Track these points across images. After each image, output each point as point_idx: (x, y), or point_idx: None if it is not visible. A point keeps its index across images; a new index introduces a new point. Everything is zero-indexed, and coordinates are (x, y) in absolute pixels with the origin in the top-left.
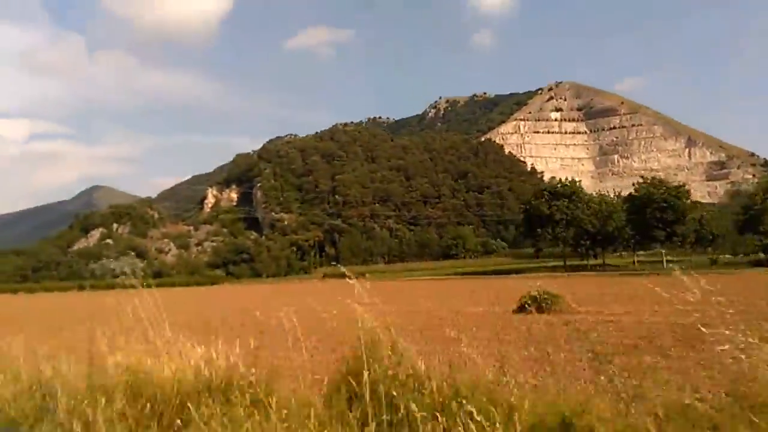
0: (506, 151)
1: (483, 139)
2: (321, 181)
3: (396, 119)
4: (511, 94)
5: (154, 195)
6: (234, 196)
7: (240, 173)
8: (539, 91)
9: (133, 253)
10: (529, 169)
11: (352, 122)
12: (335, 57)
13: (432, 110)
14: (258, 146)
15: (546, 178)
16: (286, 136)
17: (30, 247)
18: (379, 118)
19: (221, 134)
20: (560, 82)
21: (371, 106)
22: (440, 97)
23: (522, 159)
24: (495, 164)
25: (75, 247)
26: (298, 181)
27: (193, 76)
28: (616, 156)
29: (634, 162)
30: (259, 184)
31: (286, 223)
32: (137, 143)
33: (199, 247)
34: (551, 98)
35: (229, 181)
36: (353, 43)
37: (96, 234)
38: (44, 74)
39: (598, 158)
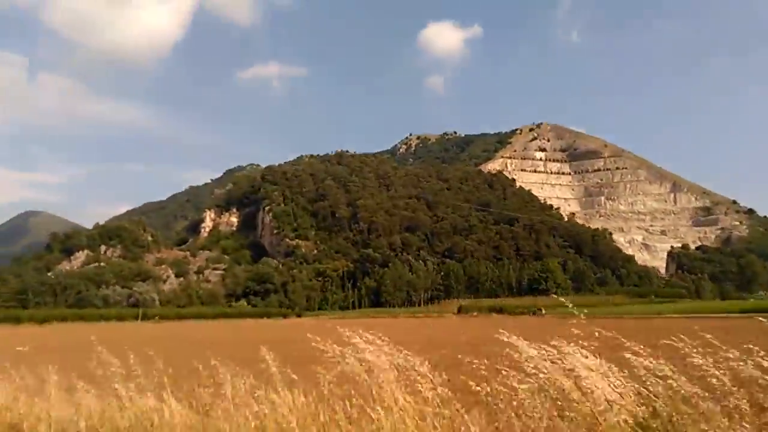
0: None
1: (495, 171)
2: (339, 206)
3: (364, 153)
4: (482, 134)
5: (90, 224)
6: (234, 220)
7: (241, 196)
8: (518, 131)
9: (150, 279)
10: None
11: (318, 155)
12: (290, 91)
13: (403, 146)
14: (215, 176)
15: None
16: (247, 165)
17: (3, 269)
18: (347, 151)
19: (169, 164)
20: (541, 123)
21: (333, 141)
22: (410, 134)
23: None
24: (514, 197)
25: (58, 269)
26: (311, 206)
27: (140, 102)
28: (602, 198)
29: (621, 204)
30: (267, 208)
31: (303, 250)
32: (77, 170)
33: (200, 275)
34: (534, 138)
35: (229, 204)
36: (307, 80)
37: (81, 256)
38: None
39: (584, 199)
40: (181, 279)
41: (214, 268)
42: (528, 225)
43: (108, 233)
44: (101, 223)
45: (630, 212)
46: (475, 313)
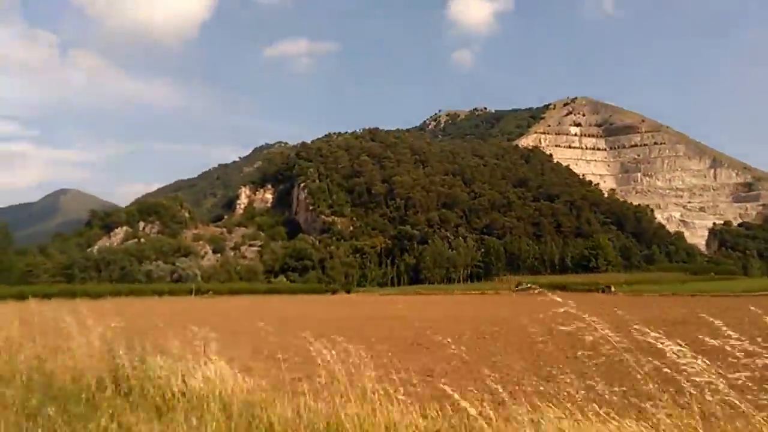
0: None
1: (530, 147)
2: (375, 183)
3: (396, 129)
4: (513, 109)
5: (120, 202)
6: (269, 196)
7: (275, 172)
8: (552, 106)
9: (191, 255)
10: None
11: (347, 132)
12: (317, 69)
13: (432, 122)
14: (243, 154)
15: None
16: (275, 143)
17: (47, 245)
18: (376, 128)
19: (197, 142)
20: (575, 98)
21: (361, 117)
22: (440, 110)
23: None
24: (552, 173)
25: (99, 245)
26: (346, 182)
27: (168, 81)
28: (638, 174)
29: (658, 180)
30: (302, 184)
31: (339, 227)
32: (107, 148)
33: (236, 252)
34: (569, 113)
35: (263, 181)
36: (334, 56)
37: (120, 232)
38: (10, 73)
39: (620, 176)
40: (218, 255)
41: (251, 245)
42: (569, 201)
43: (146, 210)
44: (133, 200)
45: (668, 188)
46: (536, 290)
